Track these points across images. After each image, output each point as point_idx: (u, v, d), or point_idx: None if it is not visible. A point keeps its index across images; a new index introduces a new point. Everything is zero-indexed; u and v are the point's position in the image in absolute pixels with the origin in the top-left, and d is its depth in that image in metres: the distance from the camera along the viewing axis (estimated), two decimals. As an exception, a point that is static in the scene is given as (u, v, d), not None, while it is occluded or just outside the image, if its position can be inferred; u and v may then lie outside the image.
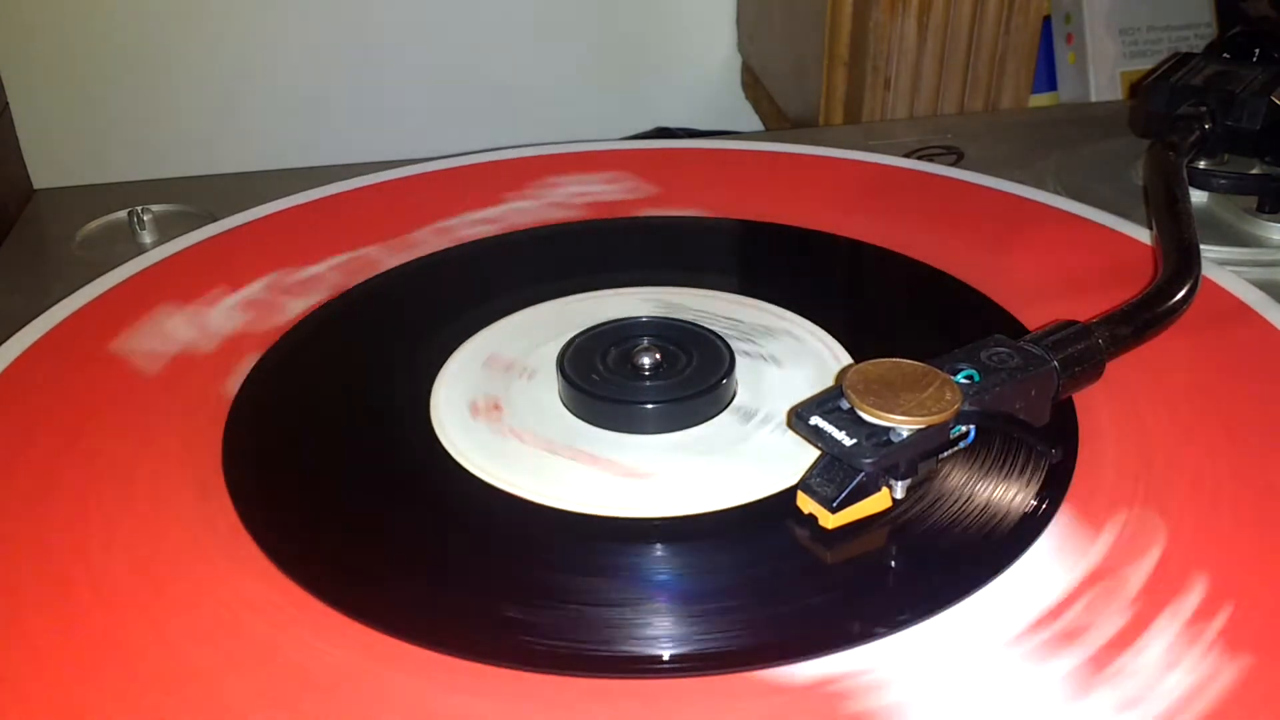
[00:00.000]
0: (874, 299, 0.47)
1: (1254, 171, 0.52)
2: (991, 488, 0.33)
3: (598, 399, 0.37)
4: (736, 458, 0.35)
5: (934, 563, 0.31)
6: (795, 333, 0.41)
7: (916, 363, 0.32)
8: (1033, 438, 0.33)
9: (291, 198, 0.53)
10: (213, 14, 0.83)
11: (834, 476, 0.31)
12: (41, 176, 0.59)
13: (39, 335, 0.42)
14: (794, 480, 0.32)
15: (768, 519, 0.33)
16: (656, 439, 0.36)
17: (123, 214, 0.54)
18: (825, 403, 0.32)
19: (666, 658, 0.28)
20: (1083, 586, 0.30)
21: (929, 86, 0.73)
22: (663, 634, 0.29)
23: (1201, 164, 0.52)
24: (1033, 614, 0.29)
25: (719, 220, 0.50)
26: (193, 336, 0.42)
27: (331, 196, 0.53)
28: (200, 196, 0.56)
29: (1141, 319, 0.37)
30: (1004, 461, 0.34)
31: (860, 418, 0.31)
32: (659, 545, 0.32)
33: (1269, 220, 0.50)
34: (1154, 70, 0.54)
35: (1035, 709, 0.26)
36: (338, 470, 0.36)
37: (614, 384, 0.37)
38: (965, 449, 0.32)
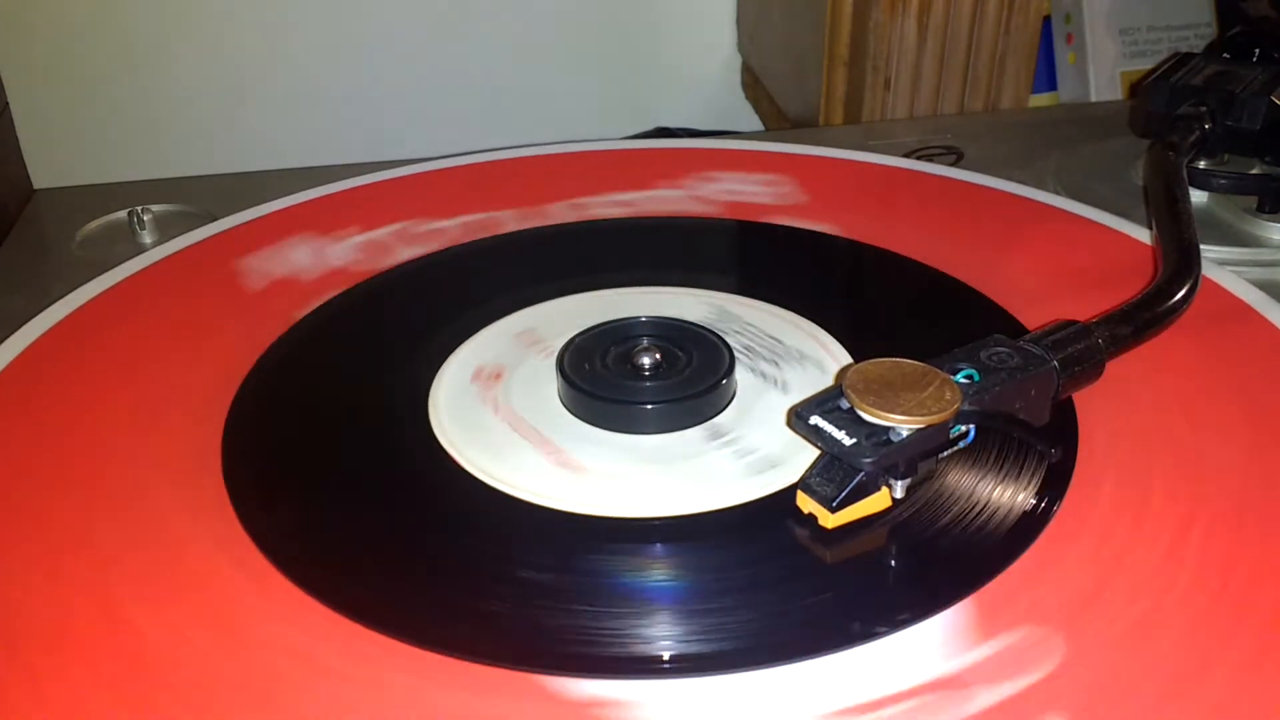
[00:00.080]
0: (874, 299, 0.47)
1: (1254, 171, 0.52)
2: (991, 487, 0.33)
3: (580, 393, 0.37)
4: (672, 472, 0.35)
5: (934, 562, 0.31)
6: (826, 364, 0.40)
7: (916, 362, 0.32)
8: (1032, 437, 0.33)
9: (469, 156, 0.56)
10: (213, 14, 0.83)
11: (834, 476, 0.31)
12: (41, 176, 0.59)
13: (39, 335, 0.42)
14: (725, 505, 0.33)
15: (767, 519, 0.33)
16: (614, 438, 0.36)
17: (123, 214, 0.54)
18: (825, 402, 0.32)
19: (666, 658, 0.28)
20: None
21: (929, 86, 0.73)
22: (663, 634, 0.29)
23: (1201, 164, 0.52)
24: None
25: (833, 238, 0.49)
26: (308, 262, 0.47)
27: (510, 160, 0.56)
28: (200, 196, 0.56)
29: (1141, 319, 0.37)
30: (1003, 461, 0.34)
31: (860, 417, 0.31)
32: (659, 545, 0.32)
33: (1269, 220, 0.50)
34: (1154, 70, 0.54)
35: None
36: (342, 461, 0.36)
37: (600, 380, 0.37)
38: (965, 449, 0.32)
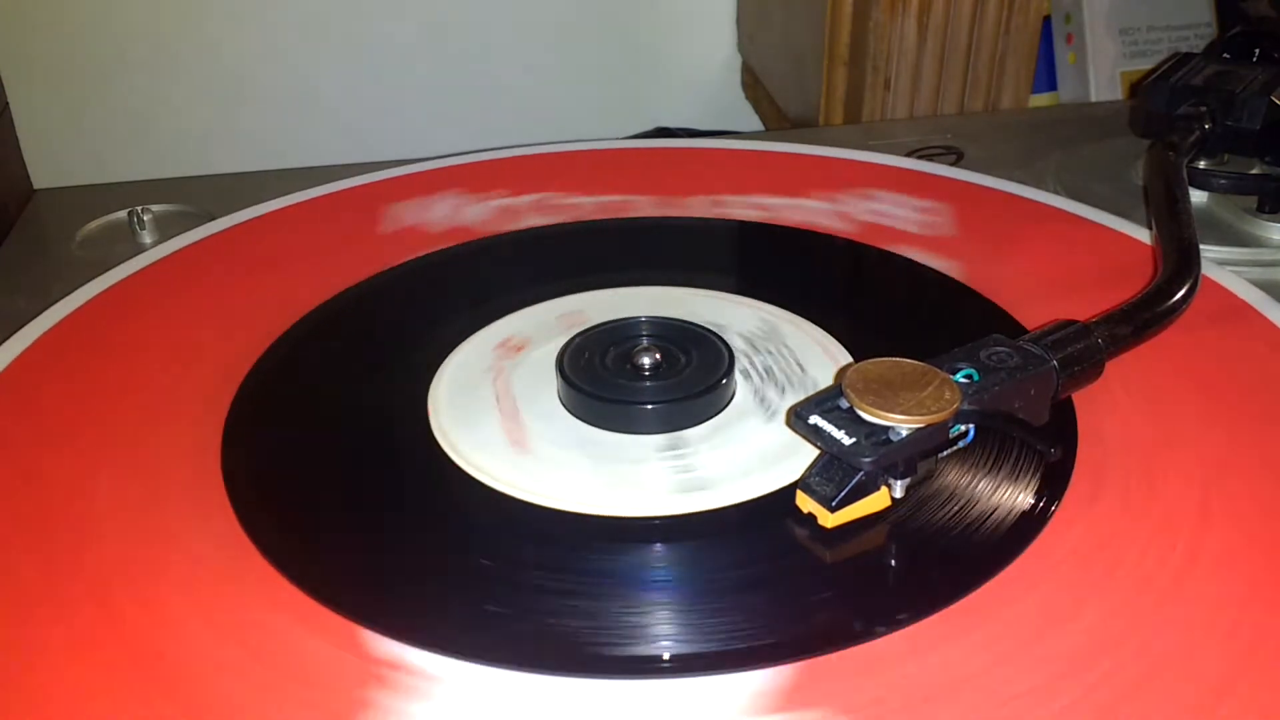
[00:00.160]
0: (874, 299, 0.47)
1: (1254, 171, 0.52)
2: (990, 487, 0.33)
3: (563, 380, 0.37)
4: (602, 470, 0.35)
5: (933, 562, 0.31)
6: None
7: (916, 362, 0.32)
8: (1032, 437, 0.33)
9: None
10: (213, 14, 0.83)
11: (833, 476, 0.31)
12: (41, 176, 0.59)
13: (39, 335, 0.42)
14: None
15: (767, 519, 0.33)
16: (579, 427, 0.37)
17: (123, 214, 0.54)
18: (824, 401, 0.32)
19: (666, 658, 0.28)
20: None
21: (929, 86, 0.73)
22: (663, 634, 0.29)
23: (1201, 164, 0.52)
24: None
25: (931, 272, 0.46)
26: (442, 215, 0.50)
27: (700, 150, 0.57)
28: (200, 196, 0.56)
29: (1141, 318, 0.37)
30: (1003, 461, 0.34)
31: (859, 417, 0.31)
32: (659, 545, 0.32)
33: (1269, 220, 0.50)
34: (1154, 70, 0.54)
35: None
36: (343, 457, 0.36)
37: (591, 374, 0.37)
38: (964, 448, 0.32)
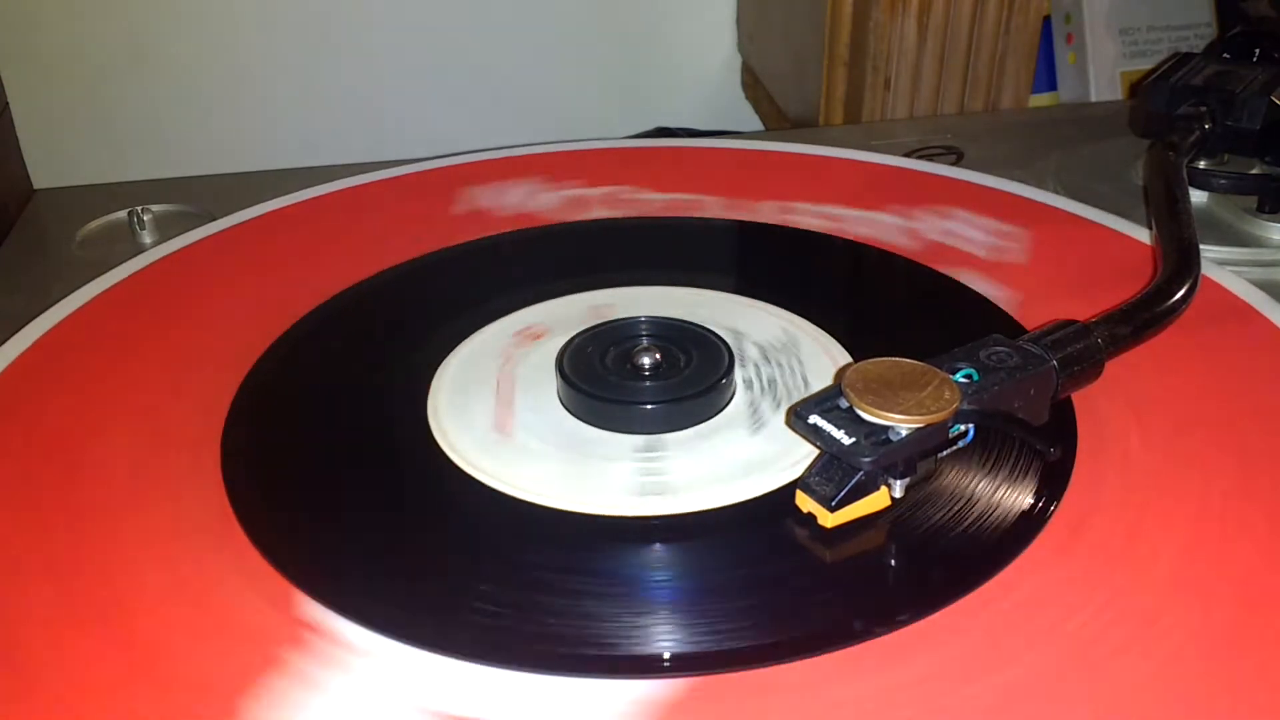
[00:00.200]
0: (874, 299, 0.47)
1: (1254, 171, 0.52)
2: (990, 487, 0.33)
3: (559, 375, 0.37)
4: (571, 464, 0.35)
5: (933, 562, 0.31)
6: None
7: (915, 362, 0.32)
8: (1031, 437, 0.33)
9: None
10: (212, 14, 0.83)
11: (833, 475, 0.31)
12: (41, 176, 0.59)
13: (39, 335, 0.42)
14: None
15: (767, 519, 0.33)
16: (567, 420, 0.37)
17: (123, 214, 0.54)
18: (824, 401, 0.32)
19: (667, 657, 0.28)
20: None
21: (929, 86, 0.73)
22: (663, 634, 0.29)
23: (1201, 164, 0.52)
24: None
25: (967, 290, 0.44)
26: (513, 201, 0.52)
27: (780, 153, 0.57)
28: (200, 196, 0.56)
29: (1141, 318, 0.37)
30: (1002, 461, 0.34)
31: (859, 416, 0.31)
32: (658, 544, 0.32)
33: (1269, 220, 0.50)
34: (1154, 70, 0.54)
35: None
36: (344, 455, 0.36)
37: (589, 371, 0.37)
38: (964, 448, 0.32)
